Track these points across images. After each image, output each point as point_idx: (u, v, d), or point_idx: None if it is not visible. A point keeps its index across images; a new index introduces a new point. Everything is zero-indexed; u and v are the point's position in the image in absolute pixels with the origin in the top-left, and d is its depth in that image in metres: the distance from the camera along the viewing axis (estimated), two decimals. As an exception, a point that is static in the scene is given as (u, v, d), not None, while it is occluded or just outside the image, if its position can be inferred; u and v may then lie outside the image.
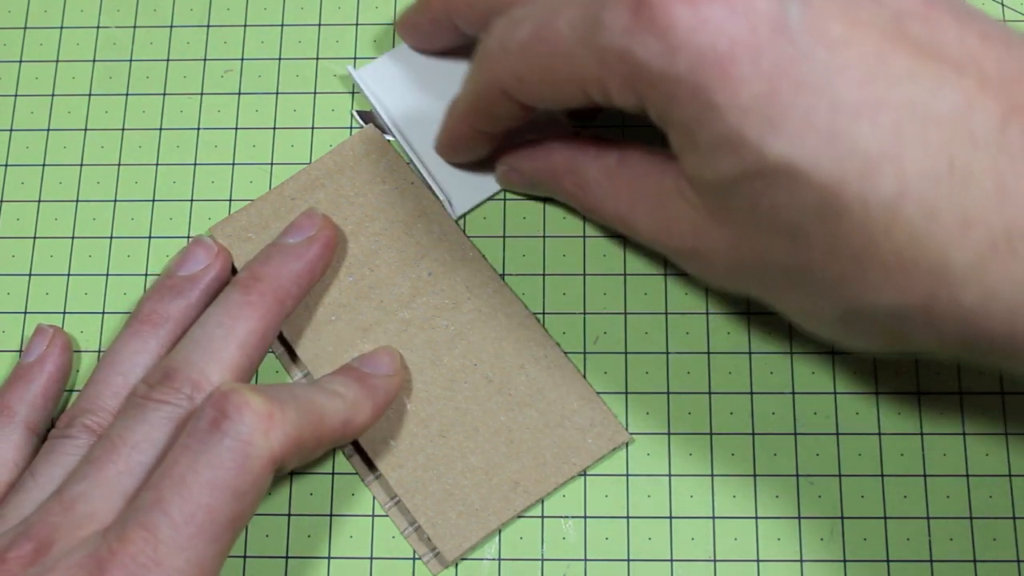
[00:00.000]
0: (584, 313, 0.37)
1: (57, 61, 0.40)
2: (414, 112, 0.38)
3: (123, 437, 0.31)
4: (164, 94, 0.40)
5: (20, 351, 0.37)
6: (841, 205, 0.26)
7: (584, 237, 0.38)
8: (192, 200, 0.39)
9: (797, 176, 0.26)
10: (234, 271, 0.37)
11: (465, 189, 0.37)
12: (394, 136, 0.37)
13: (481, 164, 0.37)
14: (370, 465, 0.35)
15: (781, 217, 0.27)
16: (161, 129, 0.40)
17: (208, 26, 0.41)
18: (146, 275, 0.38)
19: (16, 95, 0.40)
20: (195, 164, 0.39)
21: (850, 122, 0.26)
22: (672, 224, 0.31)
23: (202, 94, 0.40)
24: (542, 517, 0.35)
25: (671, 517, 0.35)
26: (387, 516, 0.35)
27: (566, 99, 0.30)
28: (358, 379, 0.34)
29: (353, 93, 0.40)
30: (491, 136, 0.35)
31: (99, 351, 0.37)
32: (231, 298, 0.34)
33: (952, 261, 0.26)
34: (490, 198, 0.38)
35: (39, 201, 0.39)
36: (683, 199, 0.30)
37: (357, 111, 0.37)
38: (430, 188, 0.37)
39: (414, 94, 0.38)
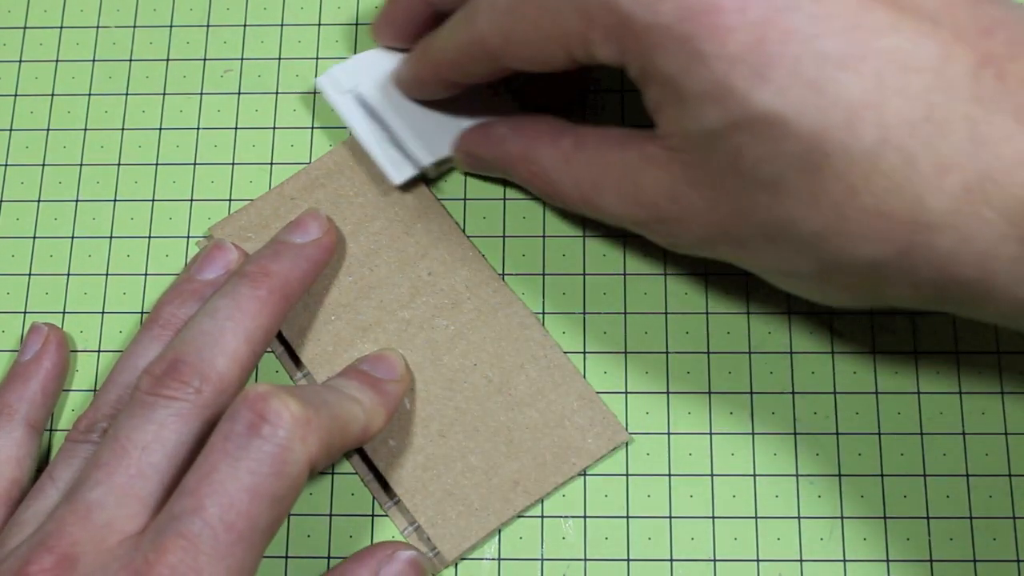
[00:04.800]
0: (584, 313, 0.37)
1: (57, 61, 0.40)
2: (376, 76, 0.38)
3: (132, 439, 0.30)
4: (164, 94, 0.40)
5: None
6: (824, 155, 0.27)
7: (584, 237, 0.38)
8: (192, 200, 0.39)
9: (782, 126, 0.27)
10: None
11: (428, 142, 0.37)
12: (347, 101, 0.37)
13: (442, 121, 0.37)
14: (370, 465, 0.35)
15: (763, 170, 0.28)
16: (161, 129, 0.40)
17: (208, 26, 0.41)
18: (146, 275, 0.38)
19: (16, 95, 0.40)
20: (195, 164, 0.39)
21: (835, 72, 0.26)
22: (642, 194, 0.31)
23: (202, 94, 0.40)
24: (542, 517, 0.35)
25: (671, 517, 0.35)
26: (387, 516, 0.35)
27: (550, 59, 0.31)
28: (372, 385, 0.33)
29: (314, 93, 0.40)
30: (457, 85, 0.35)
31: (99, 351, 0.37)
32: (241, 291, 0.33)
33: (929, 208, 0.26)
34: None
35: (39, 201, 0.39)
36: (653, 166, 0.30)
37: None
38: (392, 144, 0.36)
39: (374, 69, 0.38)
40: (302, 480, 0.29)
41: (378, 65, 0.38)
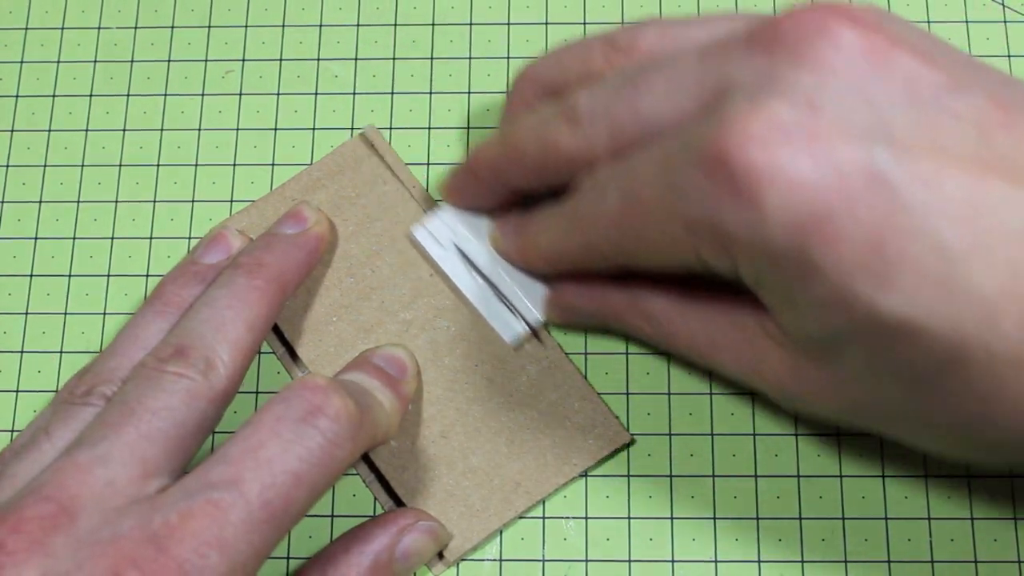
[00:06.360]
0: (585, 314, 0.37)
1: (58, 62, 0.40)
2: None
3: (142, 402, 0.29)
4: (165, 95, 0.40)
5: (21, 352, 0.37)
6: (965, 353, 0.25)
7: (585, 238, 0.38)
8: (193, 201, 0.39)
9: (916, 332, 0.25)
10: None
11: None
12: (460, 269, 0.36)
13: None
14: (371, 466, 0.35)
15: (898, 369, 0.26)
16: (162, 130, 0.40)
17: (209, 27, 0.41)
18: (147, 276, 0.38)
19: (17, 96, 0.40)
20: (196, 165, 0.39)
21: (963, 265, 0.24)
22: (763, 366, 0.30)
23: (203, 95, 0.40)
24: (543, 518, 0.35)
25: (672, 518, 0.35)
26: (388, 517, 0.35)
27: (666, 266, 0.30)
28: (392, 386, 0.34)
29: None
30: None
31: (100, 352, 0.37)
32: (237, 282, 0.33)
33: None
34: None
35: (40, 202, 0.39)
36: (772, 340, 0.29)
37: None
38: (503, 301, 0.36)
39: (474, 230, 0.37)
40: (338, 478, 0.29)
41: (473, 216, 0.36)
